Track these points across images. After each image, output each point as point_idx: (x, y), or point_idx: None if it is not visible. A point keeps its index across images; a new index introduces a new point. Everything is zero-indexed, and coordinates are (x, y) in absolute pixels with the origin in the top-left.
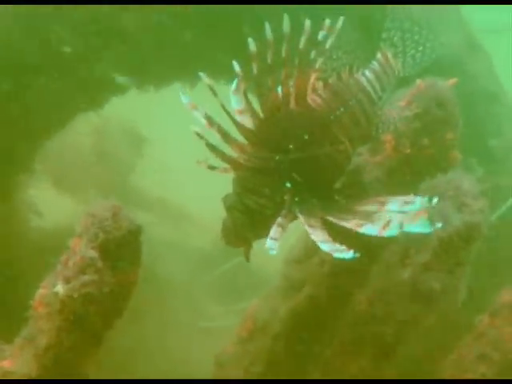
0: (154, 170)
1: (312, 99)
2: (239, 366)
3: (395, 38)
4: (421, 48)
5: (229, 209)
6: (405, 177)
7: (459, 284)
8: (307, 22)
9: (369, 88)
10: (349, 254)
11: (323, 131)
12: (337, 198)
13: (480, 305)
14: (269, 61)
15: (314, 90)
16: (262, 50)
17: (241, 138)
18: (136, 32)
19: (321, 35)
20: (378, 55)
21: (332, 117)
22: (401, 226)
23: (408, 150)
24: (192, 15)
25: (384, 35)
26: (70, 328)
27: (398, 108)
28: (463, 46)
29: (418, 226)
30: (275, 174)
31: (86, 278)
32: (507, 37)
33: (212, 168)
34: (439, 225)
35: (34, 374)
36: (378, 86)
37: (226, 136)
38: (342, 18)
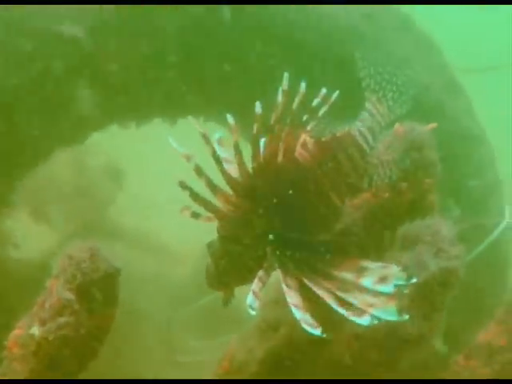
0: (133, 205)
1: (300, 153)
2: None
3: (372, 84)
4: (395, 87)
5: (212, 255)
6: (383, 221)
7: (435, 329)
8: (302, 84)
9: (360, 140)
10: (316, 331)
11: (308, 185)
12: (322, 251)
13: (455, 346)
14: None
15: (304, 145)
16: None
17: (226, 188)
18: (118, 71)
19: (315, 102)
20: (366, 104)
21: (318, 171)
22: (372, 318)
23: (386, 195)
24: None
25: (363, 84)
26: (44, 370)
27: (392, 159)
28: (444, 88)
29: (386, 314)
30: (258, 226)
31: (63, 320)
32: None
33: (196, 216)
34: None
35: None
36: (369, 137)
37: (213, 187)
38: (337, 92)
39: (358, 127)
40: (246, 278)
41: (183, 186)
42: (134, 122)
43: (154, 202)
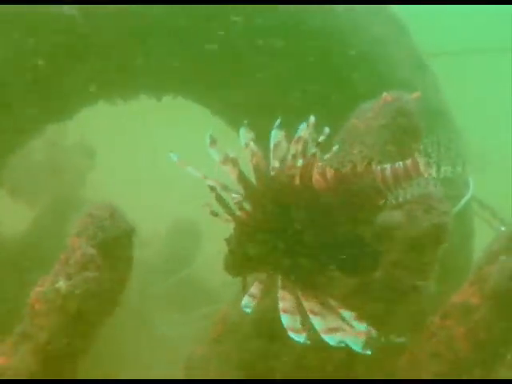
0: (106, 183)
1: (316, 180)
2: (209, 366)
3: (430, 150)
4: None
5: (230, 251)
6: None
7: (428, 282)
8: (312, 118)
9: (379, 181)
10: (300, 338)
11: (320, 210)
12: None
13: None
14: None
15: (322, 174)
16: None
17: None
18: (105, 46)
19: (321, 138)
20: (408, 160)
21: (332, 199)
22: (341, 340)
23: (377, 158)
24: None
25: (421, 147)
26: (71, 323)
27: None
28: (412, 66)
29: (354, 343)
30: (266, 236)
31: (88, 274)
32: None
33: (215, 215)
34: None
35: (32, 369)
36: (392, 185)
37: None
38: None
39: (384, 168)
40: (259, 269)
41: (213, 189)
42: (120, 98)
43: (127, 180)
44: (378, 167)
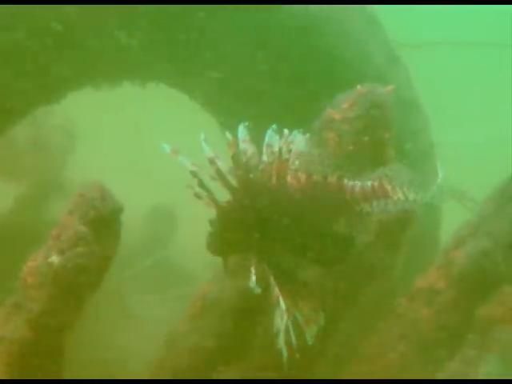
0: (88, 166)
1: (291, 182)
2: (189, 341)
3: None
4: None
5: (213, 233)
6: (347, 172)
7: (396, 263)
8: (285, 131)
9: (348, 197)
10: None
11: (290, 208)
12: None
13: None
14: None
15: (295, 177)
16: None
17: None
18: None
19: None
20: (376, 183)
21: (302, 200)
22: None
23: (351, 147)
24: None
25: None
26: (62, 295)
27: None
28: (385, 59)
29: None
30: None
31: (79, 249)
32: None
33: (198, 197)
34: None
35: (25, 339)
36: (360, 200)
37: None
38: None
39: (354, 184)
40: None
41: (194, 174)
42: (106, 84)
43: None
44: (350, 182)
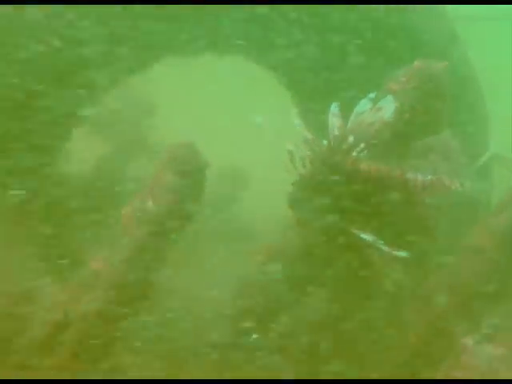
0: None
1: (363, 167)
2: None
3: None
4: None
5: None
6: (404, 137)
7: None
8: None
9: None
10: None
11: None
12: None
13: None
14: None
15: (367, 165)
16: None
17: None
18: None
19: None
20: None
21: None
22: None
23: (407, 115)
24: None
25: None
26: (154, 236)
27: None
28: (445, 35)
29: None
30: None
31: (170, 196)
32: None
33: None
34: None
35: (123, 272)
36: (420, 191)
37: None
38: None
39: (416, 178)
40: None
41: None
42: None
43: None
44: (413, 176)
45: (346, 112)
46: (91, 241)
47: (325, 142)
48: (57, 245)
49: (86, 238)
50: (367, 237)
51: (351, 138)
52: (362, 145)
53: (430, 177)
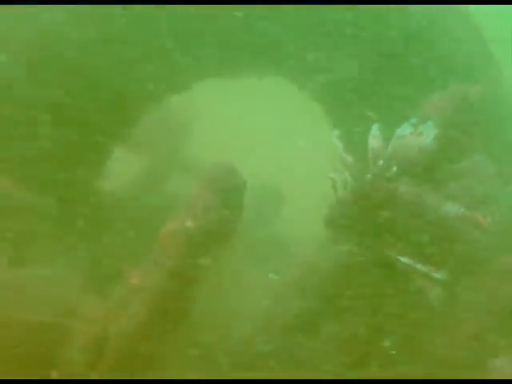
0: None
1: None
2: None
3: None
4: None
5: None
6: (441, 162)
7: None
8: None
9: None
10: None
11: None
12: None
13: None
14: None
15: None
16: None
17: None
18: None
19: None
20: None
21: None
22: None
23: (442, 140)
24: None
25: None
26: (194, 254)
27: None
28: (480, 57)
29: None
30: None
31: (211, 216)
32: None
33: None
34: None
35: (161, 289)
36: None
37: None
38: None
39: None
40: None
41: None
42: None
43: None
44: (450, 207)
45: (386, 134)
46: (130, 257)
47: (364, 164)
48: (97, 261)
49: (125, 254)
50: (405, 260)
51: (393, 166)
52: (402, 169)
53: (462, 210)
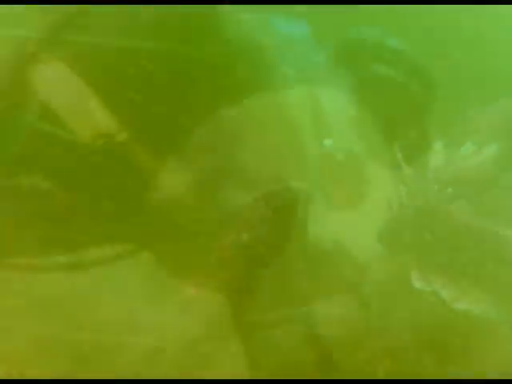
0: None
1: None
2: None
3: None
4: None
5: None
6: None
7: None
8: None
9: None
10: None
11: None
12: None
13: None
14: None
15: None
16: None
17: None
18: None
19: None
20: None
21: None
22: None
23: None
24: None
25: None
26: (250, 269)
27: None
28: None
29: None
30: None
31: (265, 229)
32: None
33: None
34: None
35: (216, 300)
36: None
37: None
38: None
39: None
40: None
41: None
42: None
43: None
44: (504, 230)
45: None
46: (186, 268)
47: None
48: (152, 271)
49: (179, 264)
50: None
51: (452, 186)
52: (462, 190)
53: None
